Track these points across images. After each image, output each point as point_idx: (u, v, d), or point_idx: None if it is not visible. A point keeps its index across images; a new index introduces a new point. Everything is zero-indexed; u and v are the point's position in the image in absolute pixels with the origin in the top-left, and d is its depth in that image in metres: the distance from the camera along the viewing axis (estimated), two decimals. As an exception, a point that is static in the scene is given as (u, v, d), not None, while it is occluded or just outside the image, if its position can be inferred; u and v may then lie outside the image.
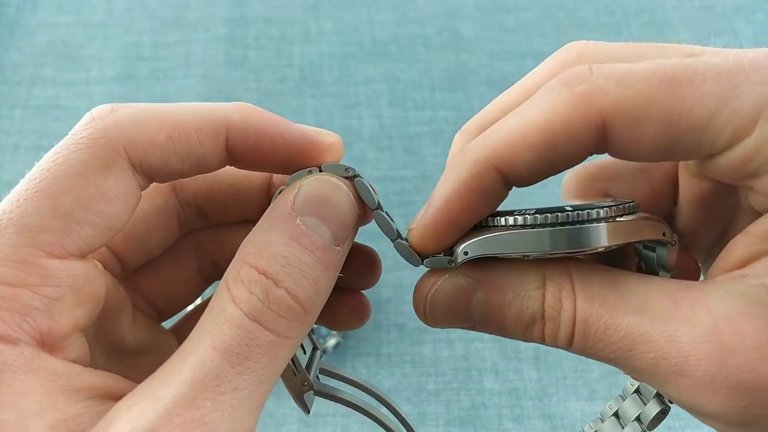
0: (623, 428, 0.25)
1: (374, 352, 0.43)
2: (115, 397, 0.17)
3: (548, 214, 0.18)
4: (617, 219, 0.18)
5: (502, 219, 0.19)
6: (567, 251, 0.18)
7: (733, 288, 0.17)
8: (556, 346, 0.19)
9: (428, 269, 0.20)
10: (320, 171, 0.20)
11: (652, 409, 0.23)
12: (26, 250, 0.17)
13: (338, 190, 0.19)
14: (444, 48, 0.57)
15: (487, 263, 0.19)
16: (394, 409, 0.25)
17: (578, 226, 0.18)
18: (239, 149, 0.19)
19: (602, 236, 0.18)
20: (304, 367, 0.22)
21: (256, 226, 0.18)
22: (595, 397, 0.42)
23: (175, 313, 0.25)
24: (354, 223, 0.19)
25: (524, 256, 0.19)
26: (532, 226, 0.18)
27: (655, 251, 0.21)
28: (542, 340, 0.19)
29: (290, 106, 0.54)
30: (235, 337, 0.17)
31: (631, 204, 0.19)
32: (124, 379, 0.18)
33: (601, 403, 0.42)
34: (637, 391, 0.24)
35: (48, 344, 0.17)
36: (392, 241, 0.20)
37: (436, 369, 0.43)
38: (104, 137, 0.18)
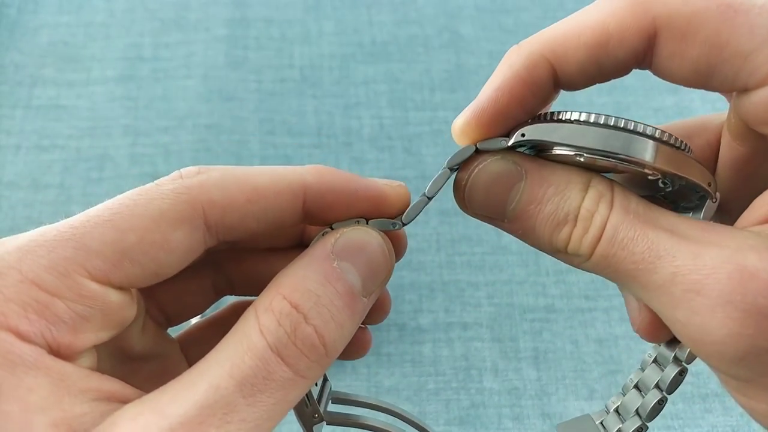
0: (644, 396, 0.25)
1: (374, 351, 0.43)
2: (122, 400, 0.17)
3: (612, 117, 0.18)
4: (673, 146, 0.19)
5: (562, 114, 0.19)
6: (620, 156, 0.18)
7: (760, 230, 0.18)
8: (577, 254, 0.19)
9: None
10: (367, 223, 0.20)
11: (670, 372, 0.23)
12: (74, 267, 0.18)
13: (376, 243, 0.20)
14: (444, 48, 0.57)
15: (537, 160, 0.19)
16: (416, 423, 0.25)
17: (637, 135, 0.18)
18: (316, 210, 0.20)
19: (655, 153, 0.18)
20: (315, 398, 0.22)
21: (294, 261, 0.19)
22: (594, 397, 0.42)
23: (183, 321, 0.25)
24: (384, 278, 0.20)
25: (577, 154, 0.19)
26: (596, 124, 0.18)
27: (691, 213, 0.21)
28: (565, 244, 0.19)
29: (291, 107, 0.54)
30: (254, 368, 0.17)
31: (687, 145, 0.19)
32: (128, 385, 0.18)
33: (600, 402, 0.42)
34: (655, 360, 0.24)
35: (62, 355, 0.17)
36: (447, 168, 0.20)
37: (435, 368, 0.43)
38: (188, 194, 0.19)
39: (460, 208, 0.20)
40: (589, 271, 0.20)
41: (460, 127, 0.20)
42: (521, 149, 0.20)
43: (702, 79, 0.18)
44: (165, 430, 0.16)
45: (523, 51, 0.19)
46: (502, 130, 0.19)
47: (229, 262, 0.24)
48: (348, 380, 0.42)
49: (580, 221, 0.19)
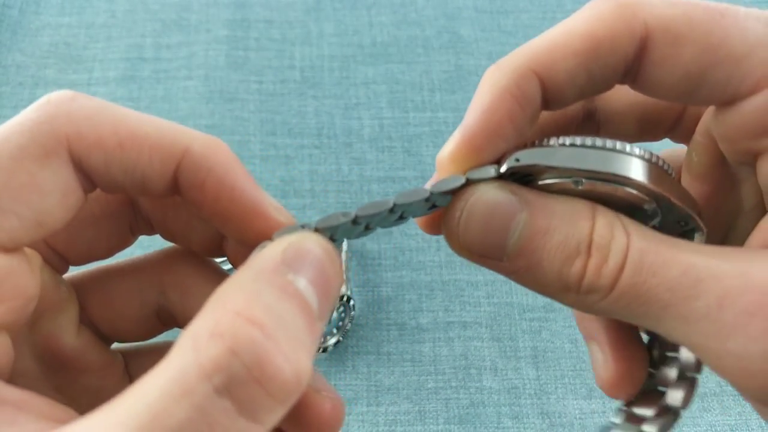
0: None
1: (374, 350, 0.43)
2: (34, 413, 0.14)
3: (606, 139, 0.17)
4: (666, 172, 0.18)
5: (552, 140, 0.17)
6: (622, 178, 0.17)
7: None
8: (594, 289, 0.17)
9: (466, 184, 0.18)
10: (315, 230, 0.17)
11: (678, 389, 0.21)
12: None
13: (333, 258, 0.16)
14: (443, 49, 0.57)
15: (535, 188, 0.18)
16: None
17: (638, 158, 0.17)
18: (185, 182, 0.17)
19: (649, 174, 0.17)
20: None
21: (233, 275, 0.15)
22: (593, 396, 0.42)
23: (87, 262, 0.21)
24: (334, 299, 0.16)
25: (576, 180, 0.17)
26: (593, 147, 0.17)
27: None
28: (579, 278, 0.17)
29: (291, 108, 0.54)
30: (186, 423, 0.12)
31: (671, 168, 0.18)
32: (45, 398, 0.15)
33: (599, 401, 0.42)
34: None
35: None
36: (425, 197, 0.17)
37: (435, 367, 0.43)
38: (50, 123, 0.16)
39: (452, 246, 0.18)
40: (603, 313, 0.17)
41: (450, 154, 0.17)
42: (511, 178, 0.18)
43: (692, 86, 0.17)
44: None
45: (507, 67, 0.17)
46: (494, 154, 0.18)
47: (172, 289, 0.21)
48: (348, 379, 0.43)
49: (597, 250, 0.16)
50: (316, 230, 0.17)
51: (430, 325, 0.44)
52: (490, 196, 0.17)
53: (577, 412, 0.42)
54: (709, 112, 0.19)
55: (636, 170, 0.17)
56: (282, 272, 0.15)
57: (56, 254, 0.20)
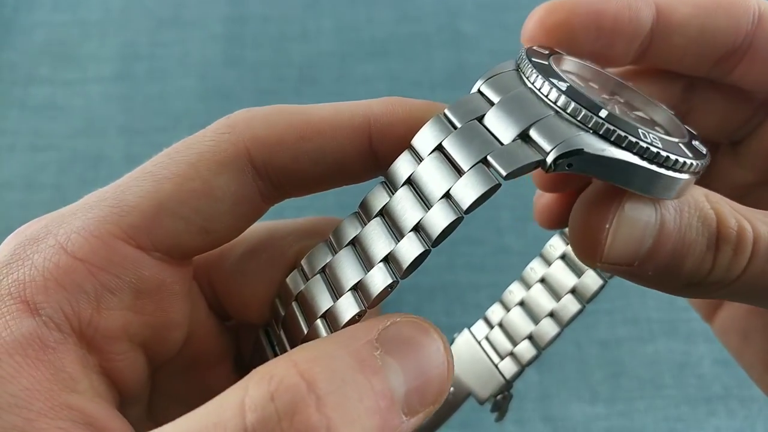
0: (558, 300, 0.23)
1: (374, 354, 0.43)
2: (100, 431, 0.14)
3: (679, 158, 0.15)
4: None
5: (627, 136, 0.15)
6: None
7: None
8: (721, 279, 0.16)
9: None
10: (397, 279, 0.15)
11: (593, 282, 0.21)
12: (108, 228, 0.15)
13: (435, 348, 0.15)
14: (444, 46, 0.57)
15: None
16: None
17: (674, 174, 0.16)
18: (386, 148, 0.17)
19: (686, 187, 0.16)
20: None
21: (327, 336, 0.15)
22: (597, 400, 0.41)
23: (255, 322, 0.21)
24: (435, 399, 0.14)
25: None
26: (646, 160, 0.15)
27: None
28: (708, 273, 0.16)
29: (289, 106, 0.53)
30: None
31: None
32: (124, 421, 0.15)
33: (603, 405, 0.41)
34: (563, 257, 0.22)
35: (86, 337, 0.15)
36: (463, 214, 0.15)
37: (436, 371, 0.42)
38: (230, 132, 0.16)
39: (587, 260, 0.17)
40: (722, 297, 0.17)
41: (546, 7, 0.18)
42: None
43: (704, 30, 0.18)
44: None
45: None
46: (582, 34, 0.18)
47: None
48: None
49: (726, 242, 0.16)
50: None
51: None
52: (636, 202, 0.16)
53: (580, 416, 0.41)
54: None
55: (677, 190, 0.16)
56: (370, 347, 0.14)
57: (219, 303, 0.19)
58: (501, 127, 0.15)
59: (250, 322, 0.19)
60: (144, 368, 0.17)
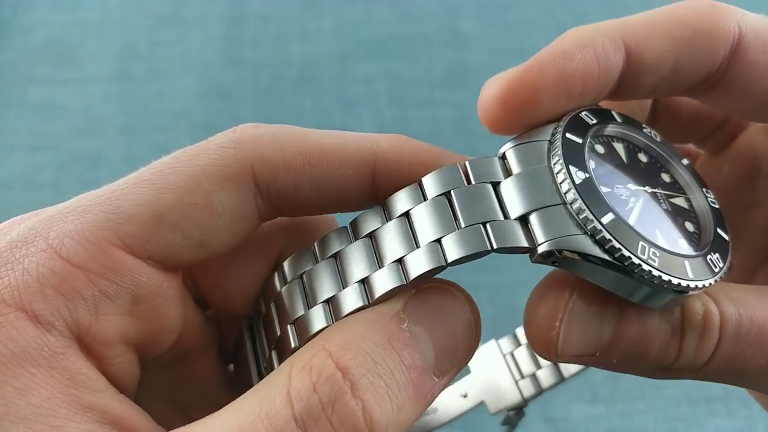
0: (518, 379, 0.24)
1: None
2: (128, 430, 0.15)
3: (673, 278, 0.15)
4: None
5: (605, 235, 0.15)
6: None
7: None
8: (689, 366, 0.16)
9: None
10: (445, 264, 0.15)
11: (550, 376, 0.22)
12: (104, 234, 0.15)
13: (461, 309, 0.16)
14: (444, 46, 0.57)
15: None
16: None
17: (689, 294, 0.16)
18: (387, 185, 0.17)
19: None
20: None
21: (352, 315, 0.15)
22: (598, 400, 0.41)
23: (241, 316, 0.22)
24: (464, 357, 0.16)
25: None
26: (632, 275, 0.15)
27: None
28: (675, 357, 0.16)
29: (288, 106, 0.53)
30: None
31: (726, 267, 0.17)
32: (146, 416, 0.15)
33: (603, 406, 0.41)
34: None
35: (84, 343, 0.15)
36: (444, 265, 0.16)
37: (436, 371, 0.42)
38: (236, 148, 0.16)
39: (545, 356, 0.17)
40: (696, 379, 0.17)
41: (506, 85, 0.16)
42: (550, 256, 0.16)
43: None
44: None
45: (598, 28, 0.17)
46: (551, 106, 0.16)
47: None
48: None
49: (691, 328, 0.16)
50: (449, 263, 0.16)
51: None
52: (588, 296, 0.16)
53: (581, 417, 0.41)
54: (759, 129, 0.19)
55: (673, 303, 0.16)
56: (398, 320, 0.15)
57: (201, 295, 0.19)
58: (509, 200, 0.16)
59: (233, 313, 0.20)
60: (137, 369, 0.17)
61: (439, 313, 0.15)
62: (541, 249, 0.15)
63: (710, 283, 0.16)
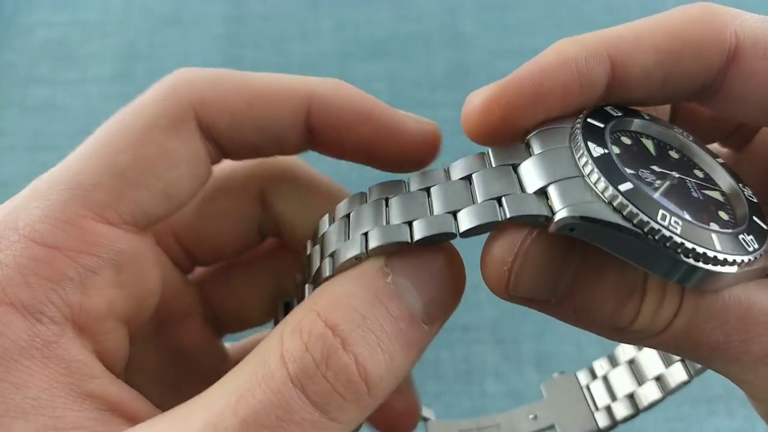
0: (640, 384, 0.23)
1: (374, 354, 0.43)
2: (126, 416, 0.15)
3: (697, 248, 0.15)
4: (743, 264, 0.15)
5: (622, 201, 0.14)
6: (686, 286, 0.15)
7: None
8: (645, 330, 0.16)
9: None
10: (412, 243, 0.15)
11: (678, 374, 0.21)
12: (74, 210, 0.15)
13: (442, 257, 0.16)
14: (444, 46, 0.57)
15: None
16: None
17: (725, 270, 0.15)
18: (319, 125, 0.17)
19: (734, 280, 0.15)
20: None
21: (336, 276, 0.16)
22: (598, 400, 0.42)
23: (239, 330, 0.23)
24: (451, 303, 0.16)
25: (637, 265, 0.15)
26: (665, 246, 0.14)
27: None
28: (631, 320, 0.16)
29: (289, 106, 0.53)
30: (266, 405, 0.13)
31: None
32: (144, 399, 0.16)
33: (603, 405, 0.41)
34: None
35: (78, 323, 0.15)
36: (455, 234, 0.15)
37: (436, 371, 0.42)
38: (175, 93, 0.16)
39: (497, 292, 0.16)
40: (649, 347, 0.16)
41: (483, 104, 0.16)
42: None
43: None
44: None
45: (581, 42, 0.16)
46: (529, 121, 0.16)
47: (288, 266, 0.21)
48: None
49: (650, 293, 0.15)
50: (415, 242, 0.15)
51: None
52: (543, 241, 0.15)
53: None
54: None
55: (723, 284, 0.15)
56: (382, 275, 0.15)
57: (184, 252, 0.20)
58: (527, 177, 0.16)
59: (224, 258, 0.20)
60: (126, 343, 0.17)
61: (421, 262, 0.15)
62: (558, 216, 0.15)
63: (743, 260, 0.15)
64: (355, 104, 0.17)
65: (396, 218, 0.16)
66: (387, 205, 0.17)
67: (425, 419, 0.25)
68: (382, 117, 0.17)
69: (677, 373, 0.23)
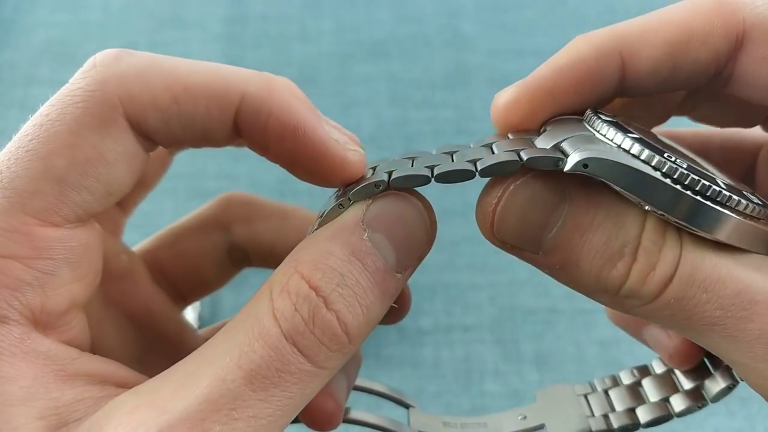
0: (648, 400, 0.23)
1: (374, 353, 0.43)
2: (118, 384, 0.16)
3: (703, 181, 0.15)
4: (758, 218, 0.16)
5: (639, 147, 0.15)
6: (691, 228, 0.15)
7: None
8: (636, 295, 0.16)
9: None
10: (388, 184, 0.17)
11: (718, 383, 0.21)
12: (16, 217, 0.15)
13: (416, 212, 0.17)
14: (444, 47, 0.57)
15: (583, 179, 0.16)
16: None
17: (724, 209, 0.15)
18: (246, 127, 0.17)
19: (737, 231, 0.15)
20: None
21: (319, 230, 0.16)
22: (598, 400, 0.42)
23: (199, 297, 0.23)
24: (423, 252, 0.17)
25: (640, 204, 0.16)
26: (677, 181, 0.15)
27: None
28: (620, 283, 0.16)
29: (289, 106, 0.53)
30: (266, 359, 0.15)
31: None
32: (126, 367, 0.17)
33: (603, 405, 0.41)
34: (671, 372, 0.23)
35: (41, 323, 0.16)
36: (475, 172, 0.16)
37: (436, 371, 0.42)
38: (102, 90, 0.16)
39: (485, 235, 0.17)
40: (639, 316, 0.16)
41: (506, 104, 0.17)
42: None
43: None
44: (163, 427, 0.14)
45: (593, 40, 0.17)
46: (549, 115, 0.17)
47: (242, 229, 0.23)
48: (347, 383, 0.42)
49: (643, 255, 0.15)
50: (391, 186, 0.17)
51: (430, 328, 0.44)
52: (530, 187, 0.16)
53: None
54: None
55: (724, 230, 0.15)
56: (359, 232, 0.16)
57: (172, 288, 0.22)
58: (542, 141, 0.17)
59: (206, 291, 0.23)
60: (87, 325, 0.17)
61: (396, 215, 0.16)
62: (572, 156, 0.15)
63: (747, 205, 0.15)
64: (283, 114, 0.17)
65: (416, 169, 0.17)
66: (412, 164, 0.18)
67: (409, 406, 0.25)
68: (308, 133, 0.17)
69: (681, 401, 0.22)
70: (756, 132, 0.21)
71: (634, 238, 0.16)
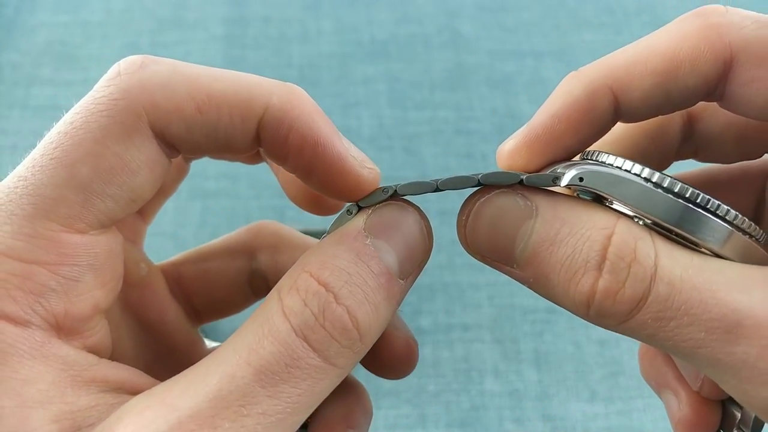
0: None
1: (374, 353, 0.43)
2: (132, 391, 0.16)
3: (683, 185, 0.16)
4: (750, 235, 0.16)
5: (629, 164, 0.16)
6: (685, 236, 0.16)
7: None
8: (606, 311, 0.16)
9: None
10: (396, 192, 0.18)
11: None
12: (42, 224, 0.15)
13: (413, 220, 0.17)
14: (444, 47, 0.57)
15: (550, 193, 0.17)
16: None
17: (715, 217, 0.16)
18: (268, 137, 0.17)
19: (728, 241, 0.16)
20: None
21: (322, 240, 0.17)
22: (596, 399, 0.42)
23: (214, 319, 0.24)
24: (422, 259, 0.18)
25: (635, 217, 0.16)
26: (667, 190, 0.16)
27: None
28: (588, 297, 0.16)
29: (289, 106, 0.53)
30: (276, 354, 0.15)
31: (762, 233, 0.17)
32: (143, 373, 0.17)
33: (602, 404, 0.41)
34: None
35: (65, 328, 0.16)
36: (477, 180, 0.17)
37: (436, 370, 0.43)
38: (126, 98, 0.16)
39: (464, 247, 0.18)
40: (625, 334, 0.16)
41: (509, 152, 0.18)
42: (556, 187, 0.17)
43: None
44: (173, 424, 0.14)
45: (584, 78, 0.17)
46: (552, 159, 0.18)
47: (265, 256, 0.23)
48: (347, 382, 0.42)
49: (609, 271, 0.15)
50: (397, 194, 0.18)
51: (430, 328, 0.44)
52: (497, 201, 0.17)
53: (579, 415, 0.41)
54: None
55: (717, 236, 0.15)
56: (362, 238, 0.17)
57: (191, 308, 0.23)
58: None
59: (223, 314, 0.23)
60: (108, 330, 0.18)
61: (395, 224, 0.17)
62: (568, 173, 0.16)
63: (737, 216, 0.16)
64: (304, 126, 0.17)
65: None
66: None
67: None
68: (327, 148, 0.17)
69: None
70: (762, 161, 0.21)
71: (597, 252, 0.15)
